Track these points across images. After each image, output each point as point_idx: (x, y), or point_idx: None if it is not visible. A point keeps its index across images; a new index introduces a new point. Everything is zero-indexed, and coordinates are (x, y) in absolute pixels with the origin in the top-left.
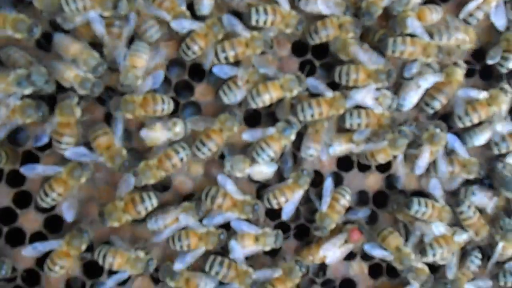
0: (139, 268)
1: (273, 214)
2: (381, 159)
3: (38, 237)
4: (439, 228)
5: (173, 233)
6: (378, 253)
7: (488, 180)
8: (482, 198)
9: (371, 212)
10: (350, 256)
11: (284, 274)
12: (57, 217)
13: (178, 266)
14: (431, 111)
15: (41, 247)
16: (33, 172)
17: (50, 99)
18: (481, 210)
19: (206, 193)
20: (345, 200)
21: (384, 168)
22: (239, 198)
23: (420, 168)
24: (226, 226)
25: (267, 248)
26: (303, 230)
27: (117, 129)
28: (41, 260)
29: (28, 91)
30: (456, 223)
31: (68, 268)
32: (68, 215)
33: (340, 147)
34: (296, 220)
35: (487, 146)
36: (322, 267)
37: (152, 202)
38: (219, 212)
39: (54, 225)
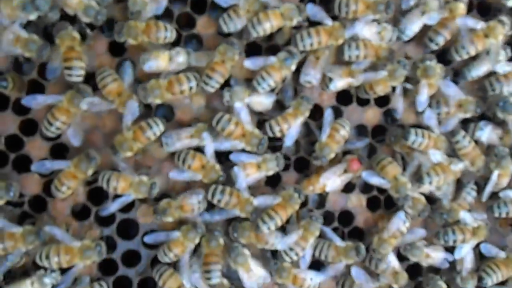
0: (143, 192)
1: (274, 149)
2: (380, 91)
3: None
4: (435, 156)
5: (184, 147)
6: (375, 180)
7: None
8: (490, 134)
9: (370, 146)
10: (348, 189)
11: (284, 201)
12: (63, 146)
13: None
14: (435, 47)
15: (49, 164)
16: (34, 102)
17: None
18: (477, 142)
19: (218, 119)
20: (345, 130)
21: (382, 102)
22: (249, 129)
23: (422, 104)
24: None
25: (270, 173)
26: (303, 163)
27: (127, 75)
28: (48, 187)
29: (33, 16)
30: (453, 155)
31: (74, 189)
32: (75, 140)
33: (341, 82)
34: (296, 153)
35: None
36: (322, 200)
37: (159, 127)
38: (227, 139)
39: (60, 155)
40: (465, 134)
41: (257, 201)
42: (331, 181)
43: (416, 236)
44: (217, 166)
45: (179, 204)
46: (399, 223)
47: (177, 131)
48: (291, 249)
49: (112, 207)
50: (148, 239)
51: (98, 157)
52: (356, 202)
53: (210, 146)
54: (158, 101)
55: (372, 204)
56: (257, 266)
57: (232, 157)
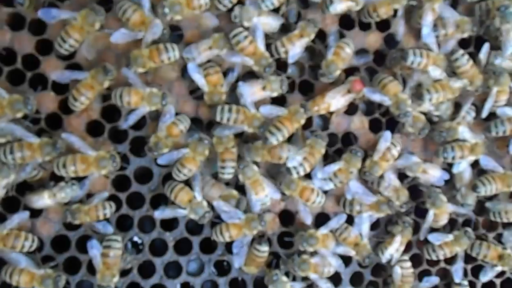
0: (155, 103)
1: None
2: (383, 13)
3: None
4: (435, 72)
5: (207, 59)
6: (377, 97)
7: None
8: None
9: (371, 70)
10: (351, 111)
11: (290, 114)
12: (77, 65)
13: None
14: None
15: (68, 73)
16: (50, 15)
17: None
18: (475, 61)
19: (236, 33)
20: (349, 48)
21: (384, 27)
22: (261, 49)
23: (427, 27)
24: None
25: (275, 94)
26: (307, 86)
27: (144, 1)
28: (63, 105)
29: None
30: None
31: (91, 101)
32: (89, 54)
33: (341, 4)
34: (301, 75)
35: None
36: (325, 123)
37: (175, 53)
38: (239, 54)
39: None
40: (464, 53)
41: (264, 109)
42: (335, 101)
43: (408, 161)
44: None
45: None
46: (385, 143)
47: (195, 45)
48: (300, 164)
49: (130, 119)
50: (161, 160)
51: (114, 70)
52: (359, 124)
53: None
54: (178, 17)
55: (375, 126)
56: (266, 182)
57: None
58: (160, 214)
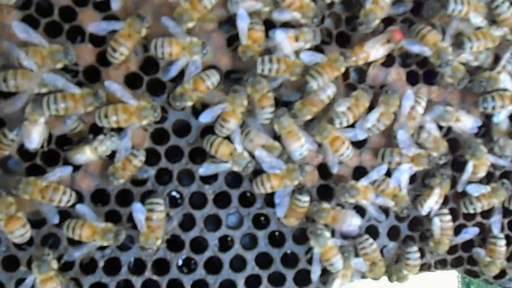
0: (196, 52)
1: None
2: None
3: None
4: (476, 19)
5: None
6: (416, 48)
7: None
8: None
9: (408, 21)
10: (388, 63)
11: (330, 61)
12: (114, 17)
13: None
14: None
15: (105, 24)
16: None
17: None
18: None
19: None
20: None
21: None
22: (306, 1)
23: None
24: None
25: (308, 45)
26: (344, 38)
27: None
28: (101, 57)
29: None
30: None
31: (130, 50)
32: (115, 5)
33: None
34: (338, 27)
35: None
36: (362, 76)
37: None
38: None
39: None
40: (504, 0)
41: (304, 56)
42: (374, 50)
43: (438, 111)
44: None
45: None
46: (409, 102)
47: None
48: (344, 113)
49: (172, 70)
50: (203, 118)
51: (149, 18)
52: (396, 76)
53: None
54: None
55: (412, 78)
56: (302, 133)
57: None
58: (204, 171)
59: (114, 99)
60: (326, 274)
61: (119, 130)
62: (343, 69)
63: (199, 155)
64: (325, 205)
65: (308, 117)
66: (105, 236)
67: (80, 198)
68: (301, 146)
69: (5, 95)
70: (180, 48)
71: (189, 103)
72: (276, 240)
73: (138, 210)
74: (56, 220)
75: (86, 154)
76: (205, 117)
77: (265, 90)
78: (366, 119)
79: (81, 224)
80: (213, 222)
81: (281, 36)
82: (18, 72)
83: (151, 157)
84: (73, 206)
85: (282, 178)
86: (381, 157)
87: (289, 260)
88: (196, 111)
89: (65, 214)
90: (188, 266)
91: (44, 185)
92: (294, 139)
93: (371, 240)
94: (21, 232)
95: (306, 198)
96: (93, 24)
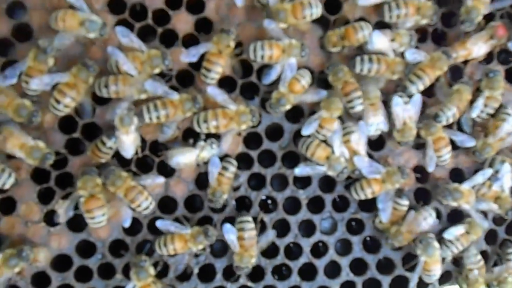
0: (295, 54)
1: None
2: None
3: (190, 38)
4: None
5: None
6: None
7: None
8: None
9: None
10: (487, 60)
11: (432, 61)
12: (207, 20)
13: None
14: None
15: (194, 50)
16: None
17: None
18: None
19: None
20: None
21: None
22: None
23: None
24: None
25: (402, 49)
26: (439, 36)
27: None
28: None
29: None
30: None
31: (223, 66)
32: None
33: None
34: (434, 25)
35: None
36: (454, 75)
37: (317, 10)
38: None
39: (204, 29)
40: None
41: (408, 53)
42: (477, 47)
43: None
44: None
45: None
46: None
47: None
48: (449, 108)
49: (273, 74)
50: (305, 131)
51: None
52: None
53: None
54: None
55: (510, 76)
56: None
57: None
58: (300, 171)
59: (210, 104)
60: (420, 283)
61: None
62: (445, 68)
63: (291, 160)
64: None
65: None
66: (197, 240)
67: (174, 204)
68: (379, 121)
69: (100, 101)
70: (280, 51)
71: (288, 107)
72: (371, 245)
73: (229, 231)
74: (127, 223)
75: (187, 159)
76: (307, 130)
77: (347, 76)
78: (473, 107)
79: (171, 238)
80: (307, 228)
81: (376, 37)
82: (119, 78)
83: (243, 162)
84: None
85: (383, 183)
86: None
87: (385, 266)
88: (289, 114)
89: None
90: (279, 272)
91: (132, 185)
92: (375, 113)
93: (479, 256)
94: (98, 213)
95: (406, 202)
96: (184, 54)
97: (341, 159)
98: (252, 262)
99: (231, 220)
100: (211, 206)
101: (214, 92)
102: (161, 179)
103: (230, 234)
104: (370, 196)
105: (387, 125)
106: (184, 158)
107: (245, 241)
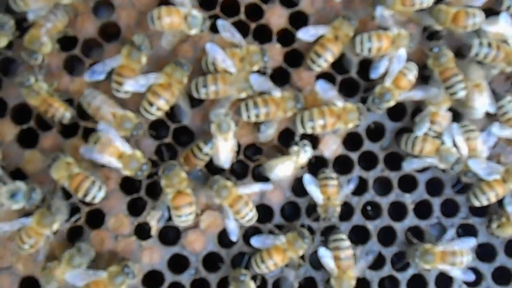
0: (404, 45)
1: None
2: None
3: (284, 32)
4: None
5: None
6: None
7: None
8: None
9: None
10: None
11: None
12: (301, 13)
13: None
14: None
15: (313, 30)
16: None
17: None
18: None
19: None
20: None
21: None
22: None
23: None
24: None
25: None
26: None
27: None
28: (289, 58)
29: None
30: None
31: (335, 56)
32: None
33: None
34: None
35: None
36: None
37: None
38: None
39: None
40: None
41: None
42: None
43: None
44: None
45: None
46: None
47: None
48: None
49: (381, 66)
50: (419, 131)
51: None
52: None
53: None
54: None
55: None
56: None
57: None
58: (408, 165)
59: (311, 104)
60: None
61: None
62: None
63: (394, 162)
64: None
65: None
66: (295, 246)
67: (270, 212)
68: (485, 104)
69: (194, 103)
70: (390, 41)
71: (392, 103)
72: (486, 253)
73: (324, 255)
74: (235, 237)
75: (287, 166)
76: (421, 129)
77: (450, 63)
78: None
79: (267, 253)
80: (414, 235)
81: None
82: (218, 76)
83: (343, 165)
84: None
85: (505, 182)
86: None
87: (501, 275)
88: (390, 112)
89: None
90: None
91: (238, 194)
92: (481, 94)
93: None
94: (187, 211)
95: None
96: (302, 31)
97: (452, 149)
98: (353, 285)
99: (331, 229)
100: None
101: (323, 87)
102: (268, 186)
103: (325, 258)
104: (494, 199)
105: (495, 107)
106: (284, 169)
107: (342, 262)
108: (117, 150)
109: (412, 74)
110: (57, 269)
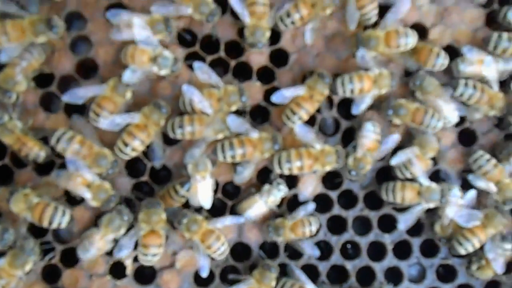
0: (386, 85)
1: None
2: None
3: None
4: None
5: None
6: None
7: None
8: None
9: None
10: None
11: None
12: (282, 52)
13: None
14: None
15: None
16: None
17: None
18: None
19: None
20: None
21: None
22: None
23: None
24: None
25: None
26: None
27: None
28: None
29: None
30: None
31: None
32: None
33: None
34: None
35: None
36: None
37: (414, 39)
38: None
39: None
40: None
41: None
42: None
43: None
44: None
45: None
46: None
47: None
48: None
49: (362, 105)
50: (394, 161)
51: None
52: None
53: None
54: None
55: None
56: None
57: None
58: (404, 224)
59: (289, 143)
60: None
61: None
62: None
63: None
64: None
65: None
66: (265, 282)
67: (248, 251)
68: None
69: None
70: (371, 82)
71: (369, 167)
72: None
73: None
74: (205, 273)
75: (258, 210)
76: (396, 160)
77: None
78: None
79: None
80: (393, 276)
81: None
82: (194, 118)
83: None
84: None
85: (485, 228)
86: None
87: None
88: None
89: None
90: None
91: (209, 228)
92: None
93: None
94: (154, 251)
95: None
96: (276, 95)
97: (432, 186)
98: None
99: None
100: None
101: (302, 131)
102: (241, 219)
103: None
104: (478, 246)
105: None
106: (255, 210)
107: None
108: (85, 180)
109: (376, 133)
110: (96, 235)
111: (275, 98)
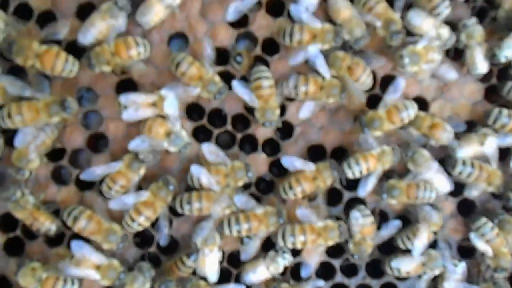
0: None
1: None
2: None
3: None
4: None
5: None
6: None
7: None
8: None
9: None
10: None
11: None
12: (287, 124)
13: None
14: None
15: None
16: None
17: None
18: None
19: (283, 33)
20: None
21: None
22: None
23: None
24: None
25: None
26: None
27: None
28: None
29: None
30: None
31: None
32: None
33: None
34: None
35: None
36: None
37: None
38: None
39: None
40: None
41: None
42: None
43: None
44: None
45: None
46: None
47: None
48: None
49: (370, 184)
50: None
51: None
52: None
53: None
54: None
55: None
56: None
57: None
58: None
59: (294, 215)
60: None
61: None
62: None
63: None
64: None
65: None
66: None
67: None
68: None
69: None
70: (376, 160)
71: (370, 250)
72: None
73: None
74: None
75: (261, 275)
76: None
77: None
78: None
79: None
80: None
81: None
82: (202, 194)
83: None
84: None
85: None
86: None
87: None
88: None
89: None
90: None
91: None
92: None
93: None
94: None
95: None
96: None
97: (432, 253)
98: None
99: None
100: None
101: (304, 214)
102: (241, 287)
103: None
104: None
105: None
106: (257, 275)
107: None
108: (94, 263)
109: (365, 217)
110: None
111: (284, 161)
